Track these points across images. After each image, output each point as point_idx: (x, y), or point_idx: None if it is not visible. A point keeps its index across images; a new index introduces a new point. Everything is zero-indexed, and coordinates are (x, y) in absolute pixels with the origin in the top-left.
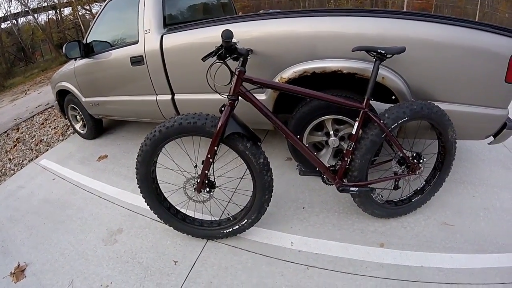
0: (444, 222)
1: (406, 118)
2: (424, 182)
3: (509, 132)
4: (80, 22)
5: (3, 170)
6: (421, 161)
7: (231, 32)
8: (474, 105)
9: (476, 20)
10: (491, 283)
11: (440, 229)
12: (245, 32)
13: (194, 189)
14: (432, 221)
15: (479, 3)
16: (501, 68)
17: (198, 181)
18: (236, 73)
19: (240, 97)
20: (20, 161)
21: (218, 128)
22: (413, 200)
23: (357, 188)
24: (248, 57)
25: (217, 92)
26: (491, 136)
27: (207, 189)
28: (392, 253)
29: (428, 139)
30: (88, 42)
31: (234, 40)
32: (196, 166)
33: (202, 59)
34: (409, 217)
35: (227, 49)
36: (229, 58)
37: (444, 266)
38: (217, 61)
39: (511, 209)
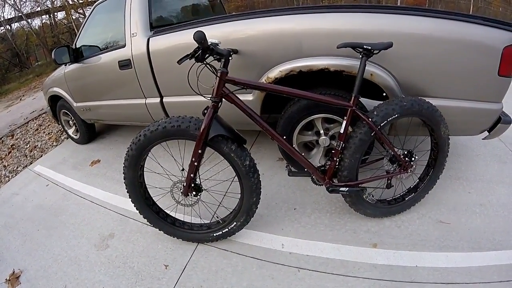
0: (439, 220)
1: (396, 116)
2: (418, 180)
3: (504, 126)
4: (74, 26)
5: None
6: (413, 159)
7: (203, 33)
8: (467, 100)
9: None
10: (488, 282)
11: (435, 227)
12: (230, 32)
13: (181, 193)
14: (427, 219)
15: None
16: (494, 61)
17: (185, 185)
18: (218, 74)
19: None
20: (15, 168)
21: (201, 131)
22: (406, 199)
23: (347, 188)
24: (230, 58)
25: (199, 94)
26: (486, 131)
27: (194, 192)
28: (386, 253)
29: (420, 136)
30: (77, 47)
31: (214, 40)
32: (183, 170)
33: (177, 62)
34: (403, 216)
35: (204, 50)
36: (212, 59)
37: (439, 266)
38: (198, 62)
39: (507, 204)
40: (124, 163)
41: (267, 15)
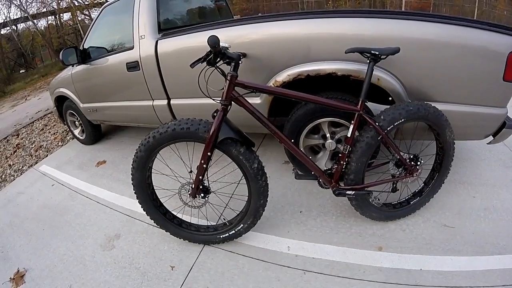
0: (443, 224)
1: (402, 120)
2: (423, 184)
3: (509, 131)
4: (80, 27)
5: (3, 176)
6: (419, 163)
7: (217, 37)
8: (472, 104)
9: (474, 18)
10: (492, 286)
11: (440, 231)
12: (238, 35)
13: (189, 194)
14: (432, 223)
15: (477, 1)
16: (499, 66)
17: (193, 186)
18: (228, 78)
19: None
20: (20, 167)
21: (210, 133)
22: (411, 202)
23: (353, 192)
24: (240, 62)
25: (209, 97)
26: (491, 136)
27: (202, 194)
28: (391, 256)
29: (426, 140)
30: (84, 48)
31: (225, 44)
32: (191, 172)
33: (190, 65)
34: (408, 220)
35: (216, 54)
36: (221, 63)
37: (443, 269)
38: (209, 66)
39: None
40: (132, 164)
41: (275, 20)
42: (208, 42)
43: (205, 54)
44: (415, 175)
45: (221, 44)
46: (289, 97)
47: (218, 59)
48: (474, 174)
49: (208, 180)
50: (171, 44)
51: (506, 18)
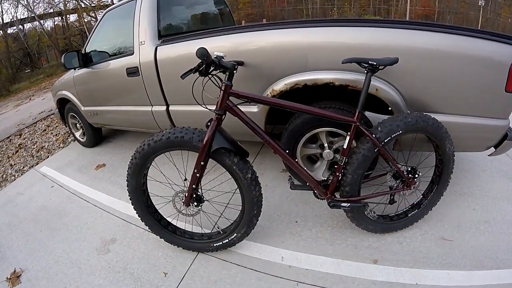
0: (442, 237)
1: (400, 132)
2: (421, 196)
3: (511, 143)
4: (86, 28)
5: (4, 176)
6: (416, 175)
7: (205, 49)
8: (473, 116)
9: (479, 26)
10: None
11: (438, 244)
12: (236, 43)
13: (183, 202)
14: (430, 236)
15: (481, 8)
16: (501, 77)
17: (186, 195)
18: (222, 88)
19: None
20: (21, 167)
21: (204, 143)
22: (409, 215)
23: (348, 204)
24: (235, 71)
25: (202, 106)
26: (492, 147)
27: (195, 203)
28: (386, 269)
29: (425, 152)
30: (86, 52)
31: (220, 53)
32: (185, 180)
33: (181, 76)
34: (406, 232)
35: (208, 65)
36: (216, 72)
37: (440, 284)
38: (202, 76)
39: None
40: (127, 171)
41: (273, 28)
42: (196, 55)
43: (196, 65)
44: (412, 187)
45: (215, 53)
46: (284, 107)
47: (211, 69)
48: (475, 186)
49: (201, 189)
50: (170, 51)
51: (511, 25)
